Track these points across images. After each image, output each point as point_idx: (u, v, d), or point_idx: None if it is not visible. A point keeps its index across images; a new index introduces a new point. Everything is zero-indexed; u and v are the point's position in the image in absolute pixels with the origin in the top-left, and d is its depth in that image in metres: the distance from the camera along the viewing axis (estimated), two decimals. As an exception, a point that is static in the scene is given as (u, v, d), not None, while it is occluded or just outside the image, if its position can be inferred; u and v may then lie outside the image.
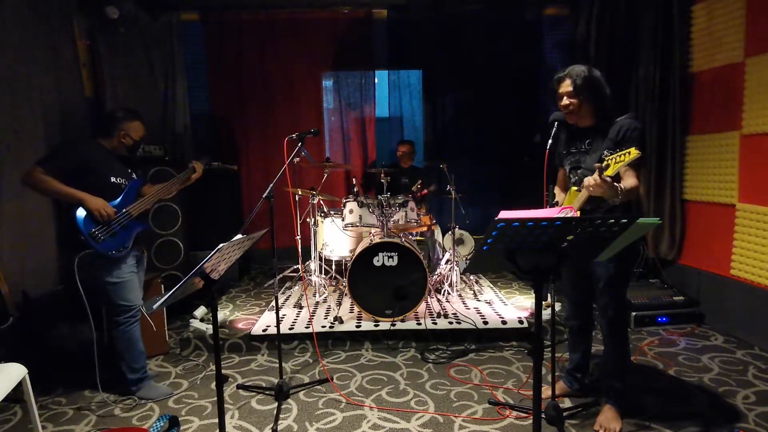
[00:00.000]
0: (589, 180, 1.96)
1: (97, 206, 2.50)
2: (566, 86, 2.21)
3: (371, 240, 3.56)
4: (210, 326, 3.43)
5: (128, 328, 2.69)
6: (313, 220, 4.13)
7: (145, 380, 2.76)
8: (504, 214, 1.32)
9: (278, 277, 2.95)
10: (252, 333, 3.34)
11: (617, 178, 2.04)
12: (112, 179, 2.62)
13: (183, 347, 3.34)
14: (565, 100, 2.23)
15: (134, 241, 2.69)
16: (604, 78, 2.21)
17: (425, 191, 4.30)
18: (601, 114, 2.22)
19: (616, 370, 2.34)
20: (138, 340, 2.75)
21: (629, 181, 2.07)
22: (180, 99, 4.90)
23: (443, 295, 4.03)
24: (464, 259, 4.66)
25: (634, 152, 1.82)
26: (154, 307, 1.61)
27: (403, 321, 3.46)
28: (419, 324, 3.40)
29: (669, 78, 3.89)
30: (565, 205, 2.25)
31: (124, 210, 2.61)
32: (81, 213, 2.49)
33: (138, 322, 2.74)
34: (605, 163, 1.92)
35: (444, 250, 4.56)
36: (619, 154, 1.87)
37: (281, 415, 2.48)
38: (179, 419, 2.39)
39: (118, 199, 2.61)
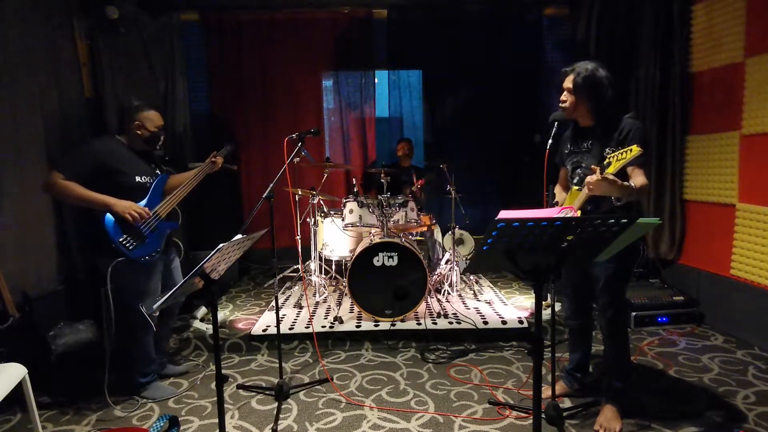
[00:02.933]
0: (590, 178, 1.96)
1: (125, 208, 2.40)
2: (568, 81, 2.21)
3: (371, 240, 3.56)
4: (210, 326, 3.43)
5: (146, 335, 2.67)
6: (313, 220, 4.13)
7: (153, 382, 2.76)
8: (504, 214, 1.32)
9: (278, 277, 2.95)
10: (252, 333, 3.34)
11: (624, 177, 2.04)
12: (137, 179, 2.54)
13: (183, 347, 3.34)
14: (563, 96, 2.24)
15: (166, 243, 2.64)
16: (609, 80, 2.17)
17: (423, 181, 4.30)
18: (601, 115, 2.21)
19: (616, 370, 2.34)
20: (152, 345, 2.74)
21: (639, 179, 2.06)
22: (180, 99, 4.89)
23: (443, 295, 4.03)
24: (464, 259, 4.66)
25: (635, 149, 1.82)
26: (155, 307, 1.61)
27: (403, 321, 3.46)
28: (419, 324, 3.40)
29: (669, 78, 3.89)
30: (565, 205, 2.25)
31: (152, 211, 2.54)
32: (110, 219, 2.41)
33: (153, 329, 2.72)
34: (606, 161, 1.92)
35: (444, 250, 4.56)
36: (621, 151, 1.87)
37: (281, 415, 2.48)
38: (179, 419, 2.39)
39: (145, 200, 2.53)
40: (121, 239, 2.43)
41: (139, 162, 2.61)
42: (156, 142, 2.66)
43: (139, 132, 2.58)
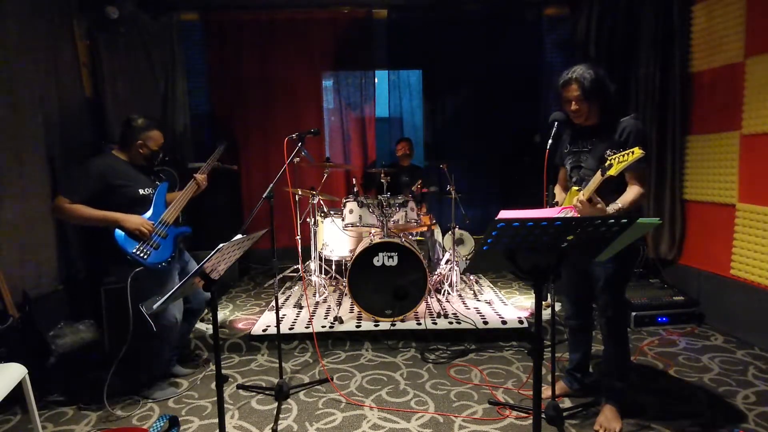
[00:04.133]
0: (575, 202, 2.00)
1: (135, 225, 2.46)
2: (573, 91, 2.17)
3: (371, 240, 3.56)
4: (210, 326, 3.43)
5: (164, 342, 2.68)
6: (313, 220, 4.13)
7: (155, 383, 2.76)
8: (504, 214, 1.32)
9: (278, 277, 2.95)
10: (252, 333, 3.34)
11: (622, 177, 2.05)
12: (141, 191, 2.58)
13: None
14: (574, 106, 2.19)
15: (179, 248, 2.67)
16: (607, 76, 2.19)
17: (425, 189, 4.30)
18: (607, 112, 2.21)
19: (616, 369, 2.34)
20: (167, 351, 2.75)
21: (634, 189, 2.08)
22: (180, 99, 4.90)
23: (443, 295, 4.03)
24: (464, 259, 4.66)
25: (638, 152, 1.82)
26: (154, 307, 1.61)
27: (403, 321, 3.46)
28: (419, 324, 3.40)
29: (669, 78, 3.89)
30: (565, 205, 2.25)
31: (159, 219, 2.58)
32: (120, 233, 2.44)
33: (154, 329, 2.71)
34: (608, 162, 1.92)
35: (444, 250, 4.56)
36: (623, 153, 1.87)
37: (281, 415, 2.49)
38: (179, 419, 2.39)
39: (150, 210, 2.58)
40: (134, 250, 2.46)
41: (139, 176, 2.65)
42: (155, 159, 2.71)
43: (141, 151, 2.62)
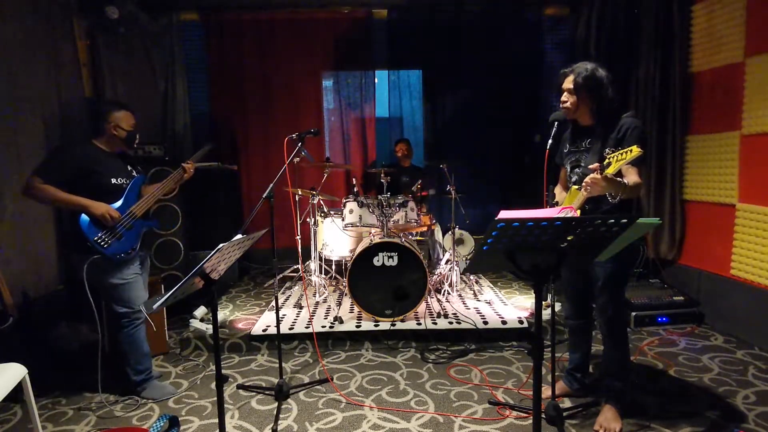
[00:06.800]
0: (587, 179, 1.96)
1: (101, 212, 2.46)
2: (568, 83, 2.22)
3: (371, 240, 3.56)
4: (210, 326, 3.43)
5: (132, 330, 2.67)
6: (313, 220, 4.13)
7: (149, 381, 2.75)
8: (504, 214, 1.32)
9: (278, 277, 2.95)
10: (252, 333, 3.34)
11: (618, 174, 2.04)
12: (113, 181, 2.59)
13: (183, 347, 3.34)
14: (564, 96, 2.24)
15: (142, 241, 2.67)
16: (609, 79, 2.19)
17: (425, 193, 4.30)
18: (601, 114, 2.21)
19: (615, 369, 2.33)
20: (143, 342, 2.74)
21: (632, 178, 2.07)
22: (180, 99, 4.90)
23: (443, 295, 4.03)
24: (464, 259, 4.66)
25: (636, 150, 1.82)
26: (154, 307, 1.61)
27: (403, 321, 3.46)
28: (419, 324, 3.40)
29: (669, 78, 3.89)
30: (565, 205, 2.25)
31: (127, 211, 2.58)
32: (85, 219, 2.45)
33: (143, 324, 2.73)
34: (606, 161, 1.92)
35: (444, 250, 4.56)
36: (621, 152, 1.87)
37: (281, 415, 2.49)
38: (179, 419, 2.39)
39: (121, 201, 2.58)
40: (95, 238, 2.47)
41: (116, 164, 2.65)
42: (133, 141, 2.70)
43: (116, 132, 2.62)
